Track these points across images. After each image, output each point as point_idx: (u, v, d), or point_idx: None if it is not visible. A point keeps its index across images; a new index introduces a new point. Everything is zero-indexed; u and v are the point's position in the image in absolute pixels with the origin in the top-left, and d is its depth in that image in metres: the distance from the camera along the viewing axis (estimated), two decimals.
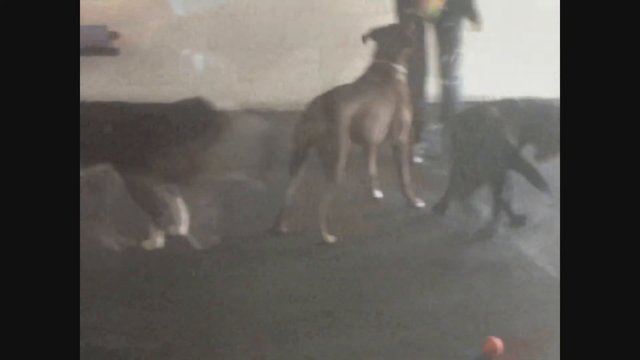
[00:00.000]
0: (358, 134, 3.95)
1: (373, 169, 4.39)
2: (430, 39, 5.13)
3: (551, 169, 3.96)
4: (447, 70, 5.09)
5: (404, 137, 4.22)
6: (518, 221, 4.00)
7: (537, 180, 3.86)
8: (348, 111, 3.87)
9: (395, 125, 4.15)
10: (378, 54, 4.28)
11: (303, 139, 3.87)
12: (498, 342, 2.85)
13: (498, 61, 6.36)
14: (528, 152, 3.99)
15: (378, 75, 4.19)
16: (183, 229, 3.83)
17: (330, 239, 3.83)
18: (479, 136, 3.80)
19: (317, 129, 3.82)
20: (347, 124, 3.85)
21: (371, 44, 4.36)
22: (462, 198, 3.84)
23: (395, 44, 4.26)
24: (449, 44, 5.08)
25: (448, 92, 5.13)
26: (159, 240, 3.69)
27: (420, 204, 4.26)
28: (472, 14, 4.99)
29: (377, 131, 4.07)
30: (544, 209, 4.15)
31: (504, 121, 3.80)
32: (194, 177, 3.73)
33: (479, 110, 4.02)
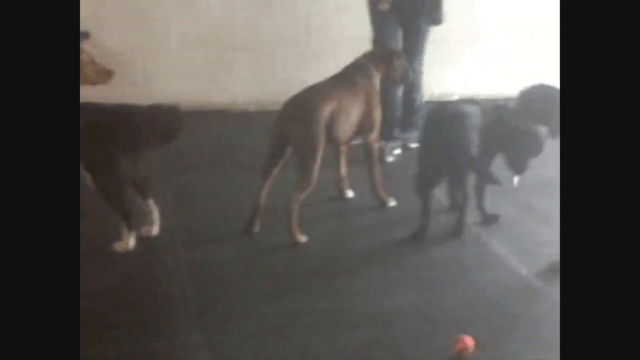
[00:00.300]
0: (331, 133, 3.95)
1: (344, 169, 4.40)
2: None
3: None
4: (411, 65, 5.09)
5: (374, 136, 4.23)
6: (490, 220, 4.04)
7: (488, 179, 3.86)
8: (324, 110, 3.88)
9: (365, 124, 4.16)
10: (366, 54, 4.35)
11: (280, 138, 3.87)
12: (469, 341, 2.87)
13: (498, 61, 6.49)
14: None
15: (356, 73, 4.22)
16: (155, 229, 3.82)
17: (302, 239, 3.84)
18: (440, 133, 3.81)
19: (294, 128, 3.82)
20: (323, 123, 3.86)
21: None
22: (425, 196, 3.84)
23: (388, 53, 4.44)
24: (413, 37, 5.11)
25: (412, 87, 5.15)
26: (131, 242, 3.67)
27: (392, 203, 4.28)
28: (431, 10, 5.01)
29: (349, 130, 4.09)
30: (515, 208, 4.22)
31: (466, 119, 3.80)
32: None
33: (443, 107, 4.07)
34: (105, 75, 4.49)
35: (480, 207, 4.04)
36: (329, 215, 4.21)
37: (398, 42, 5.08)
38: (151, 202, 3.81)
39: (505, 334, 3.07)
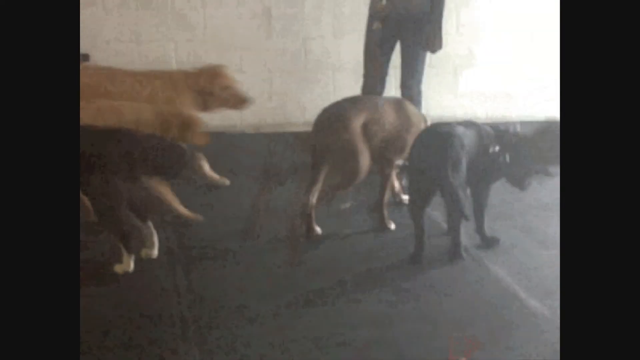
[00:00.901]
0: (371, 145, 4.06)
1: (395, 181, 4.46)
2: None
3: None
4: (408, 86, 5.13)
5: (397, 157, 4.28)
6: (489, 243, 4.04)
7: (456, 209, 3.79)
8: (358, 118, 4.02)
9: (398, 143, 4.20)
10: None
11: (317, 149, 4.03)
12: None
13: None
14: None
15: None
16: (154, 252, 3.82)
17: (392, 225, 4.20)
18: (426, 155, 3.79)
19: (331, 138, 3.98)
20: (359, 130, 3.99)
21: None
22: (416, 217, 3.84)
23: None
24: (411, 60, 5.15)
25: None
26: (130, 264, 3.67)
27: (392, 226, 4.29)
28: (429, 37, 5.03)
29: (383, 141, 4.14)
30: (514, 232, 4.22)
31: (454, 142, 3.75)
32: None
33: (431, 129, 4.06)
34: (242, 101, 4.59)
35: (479, 230, 4.04)
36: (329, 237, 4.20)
37: (388, 64, 5.17)
38: (150, 224, 3.81)
39: (505, 357, 3.05)
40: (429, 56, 5.19)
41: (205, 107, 4.68)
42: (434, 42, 5.01)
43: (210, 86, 4.63)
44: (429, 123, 4.33)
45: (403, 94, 5.13)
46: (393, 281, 3.69)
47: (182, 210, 4.17)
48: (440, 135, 3.82)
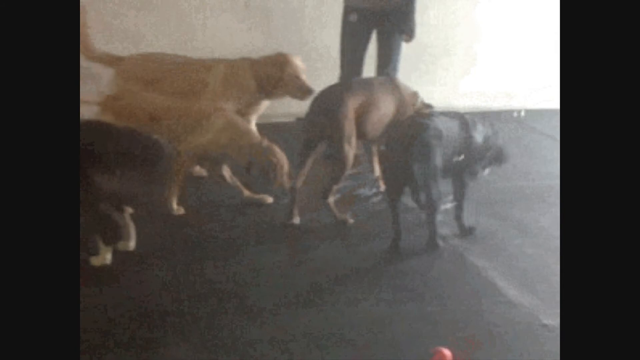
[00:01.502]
0: (360, 127, 4.09)
1: (377, 169, 4.45)
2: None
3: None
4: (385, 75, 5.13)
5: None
6: (467, 232, 4.05)
7: (416, 199, 3.81)
8: (353, 102, 4.04)
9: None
10: None
11: (312, 131, 4.03)
12: (446, 352, 2.88)
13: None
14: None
15: (386, 82, 4.45)
16: (132, 244, 3.79)
17: (350, 219, 4.13)
18: (398, 147, 3.76)
19: (325, 121, 3.99)
20: (352, 114, 4.01)
21: None
22: (393, 207, 3.84)
23: None
24: (386, 49, 5.16)
25: None
26: (107, 257, 3.65)
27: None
28: (405, 27, 5.05)
29: (379, 126, 4.18)
30: (493, 221, 4.23)
31: (428, 133, 3.73)
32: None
33: (405, 121, 4.04)
34: (306, 92, 4.52)
35: (458, 219, 4.05)
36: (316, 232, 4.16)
37: (365, 54, 5.17)
38: (127, 216, 3.78)
39: (482, 345, 3.05)
40: (405, 47, 5.19)
41: (268, 94, 4.63)
42: (410, 30, 5.03)
43: (280, 74, 4.56)
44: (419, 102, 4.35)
45: None
46: (371, 271, 3.70)
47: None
48: (415, 126, 3.81)
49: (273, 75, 4.55)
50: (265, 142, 4.10)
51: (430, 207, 3.78)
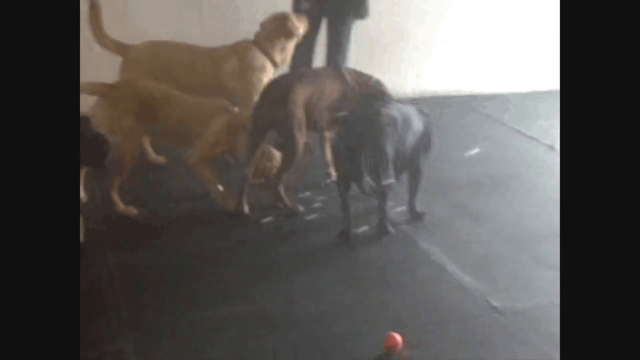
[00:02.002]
0: (311, 117, 4.08)
1: (329, 154, 4.37)
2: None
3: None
4: (335, 62, 5.11)
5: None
6: (417, 217, 4.05)
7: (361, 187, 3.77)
8: (303, 91, 4.03)
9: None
10: None
11: (261, 120, 3.99)
12: (398, 337, 2.89)
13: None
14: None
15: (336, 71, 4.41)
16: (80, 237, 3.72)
17: (301, 208, 4.14)
18: (354, 132, 3.75)
19: (275, 110, 3.96)
20: (302, 104, 4.01)
21: None
22: (342, 194, 3.82)
23: None
24: (337, 32, 5.14)
25: None
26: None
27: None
28: (356, 3, 5.05)
29: (329, 116, 4.14)
30: (446, 207, 4.25)
31: (381, 120, 3.74)
32: None
33: (365, 106, 3.99)
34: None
35: (410, 206, 4.05)
36: (260, 219, 4.13)
37: (318, 38, 5.15)
38: None
39: (434, 331, 3.07)
40: (356, 34, 5.18)
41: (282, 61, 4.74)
42: (362, 8, 5.03)
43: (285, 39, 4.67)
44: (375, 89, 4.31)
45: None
46: (323, 258, 3.70)
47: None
48: (367, 114, 3.81)
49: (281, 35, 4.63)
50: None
51: (381, 194, 3.78)
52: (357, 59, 5.20)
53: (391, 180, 3.76)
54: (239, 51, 4.65)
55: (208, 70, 4.61)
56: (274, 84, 4.18)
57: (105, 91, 4.03)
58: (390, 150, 3.73)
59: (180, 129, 4.14)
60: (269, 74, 4.66)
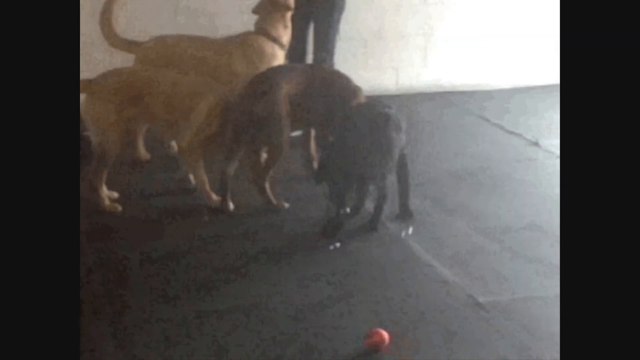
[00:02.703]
0: (295, 113, 4.04)
1: (313, 148, 4.46)
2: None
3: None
4: (321, 59, 5.16)
5: (322, 129, 4.30)
6: (409, 215, 4.05)
7: (382, 195, 3.86)
8: (285, 87, 3.98)
9: (325, 115, 4.20)
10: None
11: (244, 117, 3.94)
12: (384, 334, 2.91)
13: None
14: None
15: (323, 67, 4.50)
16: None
17: (286, 204, 4.13)
18: (362, 137, 3.73)
19: (257, 105, 3.91)
20: (285, 99, 3.96)
21: None
22: (340, 192, 3.79)
23: None
24: (323, 30, 5.19)
25: None
26: None
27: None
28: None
29: (313, 113, 4.15)
30: (425, 202, 4.27)
31: (392, 125, 3.77)
32: None
33: (370, 109, 3.95)
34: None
35: (403, 203, 4.05)
36: (244, 215, 4.14)
37: (306, 36, 5.19)
38: None
39: (417, 326, 3.11)
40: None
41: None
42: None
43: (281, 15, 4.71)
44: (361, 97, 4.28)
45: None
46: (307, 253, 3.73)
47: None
48: (376, 117, 3.79)
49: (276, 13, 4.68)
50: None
51: (383, 194, 3.83)
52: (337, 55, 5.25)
53: (393, 180, 3.81)
54: (247, 40, 4.66)
55: (221, 61, 4.60)
56: (257, 79, 4.10)
57: (84, 86, 3.96)
58: (395, 153, 3.77)
59: (168, 111, 4.06)
60: (279, 59, 4.68)
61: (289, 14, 4.73)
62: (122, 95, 4.01)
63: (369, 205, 3.97)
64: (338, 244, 3.76)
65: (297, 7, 4.90)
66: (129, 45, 4.66)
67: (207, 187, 4.14)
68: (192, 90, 4.08)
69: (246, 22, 4.80)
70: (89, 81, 4.02)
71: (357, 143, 3.71)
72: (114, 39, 4.65)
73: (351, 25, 5.02)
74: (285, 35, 4.73)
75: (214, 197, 4.13)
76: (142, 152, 4.77)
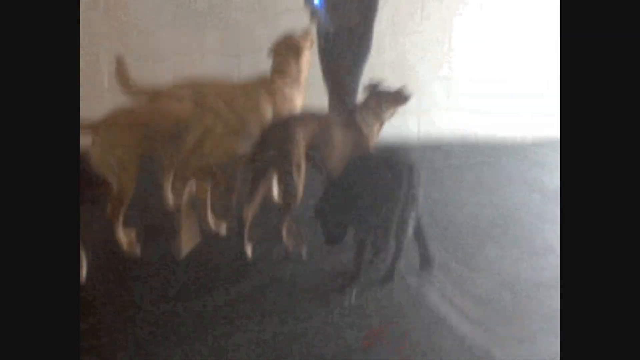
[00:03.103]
0: (312, 158, 4.08)
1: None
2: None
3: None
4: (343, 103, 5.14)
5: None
6: (429, 263, 4.02)
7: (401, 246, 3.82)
8: (303, 133, 4.01)
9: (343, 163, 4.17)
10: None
11: (261, 161, 3.97)
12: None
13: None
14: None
15: (354, 114, 4.41)
16: (83, 272, 3.69)
17: (304, 253, 4.06)
18: (386, 187, 3.71)
19: (274, 151, 3.94)
20: (302, 144, 3.98)
21: None
22: (361, 241, 3.77)
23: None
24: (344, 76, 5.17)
25: None
26: None
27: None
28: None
29: (333, 158, 4.14)
30: (443, 253, 4.23)
31: (415, 175, 3.75)
32: None
33: (394, 158, 3.89)
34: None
35: (423, 250, 4.02)
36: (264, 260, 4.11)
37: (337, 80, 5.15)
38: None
39: None
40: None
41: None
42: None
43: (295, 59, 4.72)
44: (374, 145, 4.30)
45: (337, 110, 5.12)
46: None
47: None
48: (399, 167, 3.76)
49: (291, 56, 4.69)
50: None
51: (401, 249, 3.79)
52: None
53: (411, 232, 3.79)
54: (268, 83, 4.65)
55: (247, 104, 4.56)
56: (275, 125, 4.13)
57: (95, 126, 3.96)
58: (417, 204, 3.75)
59: (158, 136, 4.04)
60: (297, 101, 4.67)
61: (304, 57, 4.75)
62: (132, 133, 4.00)
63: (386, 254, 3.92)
64: (354, 294, 3.72)
65: (321, 53, 4.92)
66: (147, 92, 4.56)
67: (183, 214, 4.08)
68: (188, 113, 4.09)
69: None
70: (97, 122, 4.00)
71: (378, 192, 3.68)
72: (128, 87, 4.57)
73: (375, 72, 4.99)
74: (301, 78, 4.74)
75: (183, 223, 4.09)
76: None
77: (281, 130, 4.04)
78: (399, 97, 4.43)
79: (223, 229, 4.36)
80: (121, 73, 4.57)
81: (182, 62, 6.06)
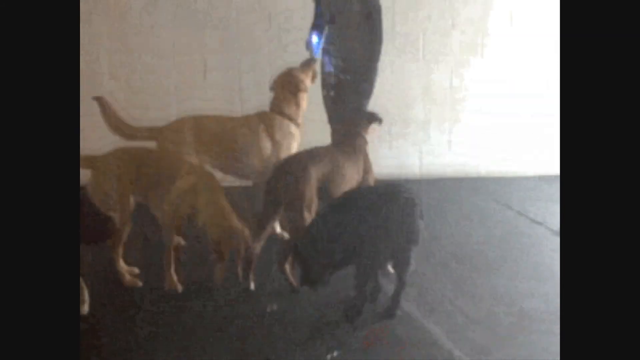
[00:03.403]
0: (326, 193, 4.05)
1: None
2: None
3: None
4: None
5: None
6: (394, 312, 3.79)
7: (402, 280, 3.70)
8: (315, 170, 4.00)
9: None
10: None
11: (273, 196, 3.96)
12: None
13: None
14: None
15: (354, 140, 4.40)
16: (85, 308, 3.62)
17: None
18: (389, 223, 3.61)
19: (285, 187, 3.91)
20: (315, 182, 3.97)
21: None
22: (365, 276, 3.65)
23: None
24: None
25: None
26: None
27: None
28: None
29: (342, 192, 4.10)
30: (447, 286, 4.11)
31: (417, 211, 3.66)
32: None
33: (396, 192, 3.75)
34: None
35: (397, 297, 3.78)
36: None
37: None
38: (81, 280, 3.60)
39: None
40: None
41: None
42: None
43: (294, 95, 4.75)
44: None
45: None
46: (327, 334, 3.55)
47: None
48: (402, 203, 3.67)
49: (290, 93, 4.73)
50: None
51: (403, 284, 3.71)
52: None
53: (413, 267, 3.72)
54: (266, 119, 4.69)
55: (247, 138, 4.62)
56: (288, 161, 4.13)
57: (93, 163, 3.95)
58: (419, 240, 3.67)
59: (152, 187, 3.96)
60: (296, 137, 4.71)
61: (302, 95, 4.77)
62: (127, 170, 3.96)
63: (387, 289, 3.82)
64: (358, 327, 3.60)
65: (324, 91, 5.03)
66: (148, 133, 4.56)
67: (171, 270, 3.97)
68: (176, 167, 4.00)
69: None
70: (98, 157, 3.99)
71: (381, 228, 3.60)
72: (126, 132, 4.55)
73: (377, 109, 4.91)
74: (299, 115, 4.77)
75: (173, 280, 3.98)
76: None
77: (295, 168, 3.99)
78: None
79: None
80: (107, 115, 4.53)
81: (182, 62, 6.07)
